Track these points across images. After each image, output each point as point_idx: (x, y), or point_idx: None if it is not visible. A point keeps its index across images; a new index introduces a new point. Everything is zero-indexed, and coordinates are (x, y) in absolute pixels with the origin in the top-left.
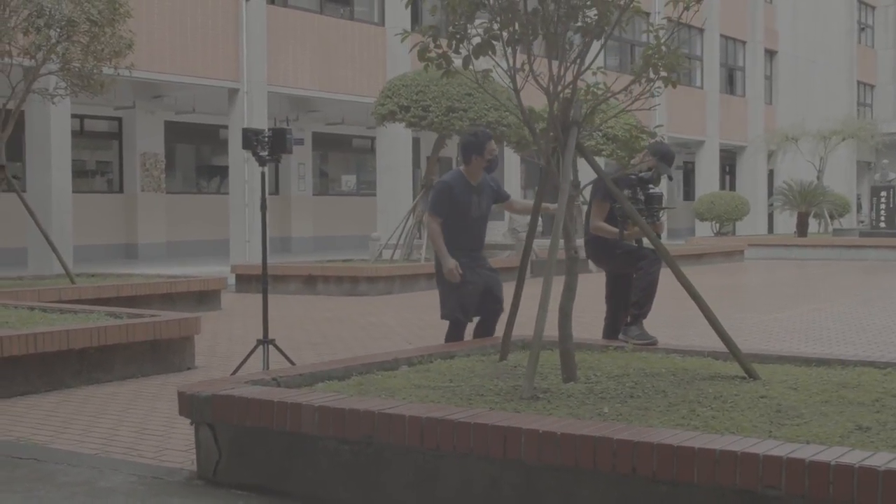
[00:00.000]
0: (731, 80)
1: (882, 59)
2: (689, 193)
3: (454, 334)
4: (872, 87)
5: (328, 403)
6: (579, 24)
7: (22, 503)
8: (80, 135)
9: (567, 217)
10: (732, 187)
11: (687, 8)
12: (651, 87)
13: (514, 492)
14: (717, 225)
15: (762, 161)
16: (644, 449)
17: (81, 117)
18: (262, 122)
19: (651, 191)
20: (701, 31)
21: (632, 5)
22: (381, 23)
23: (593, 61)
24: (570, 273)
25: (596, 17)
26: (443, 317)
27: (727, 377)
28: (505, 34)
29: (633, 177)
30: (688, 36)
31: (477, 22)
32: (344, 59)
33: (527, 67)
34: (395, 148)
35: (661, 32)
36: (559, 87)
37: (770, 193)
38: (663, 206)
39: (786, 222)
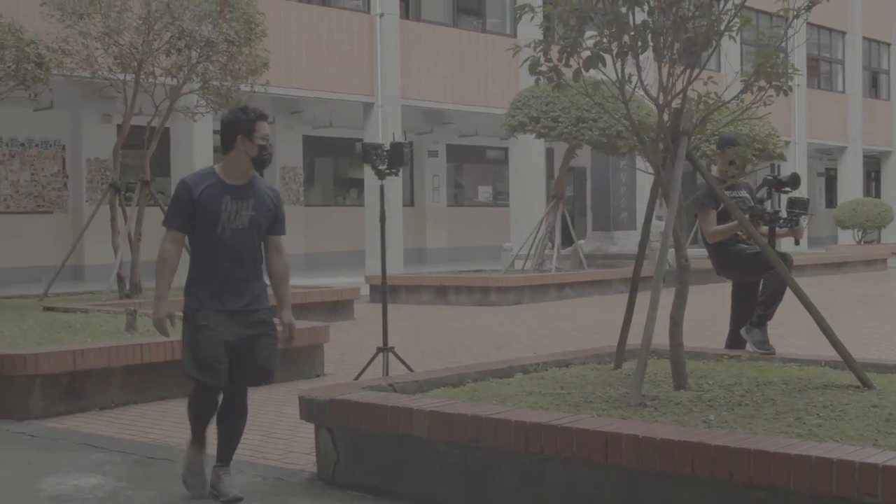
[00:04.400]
0: (874, 84)
1: None
2: (830, 200)
3: (197, 401)
4: None
5: (438, 408)
6: (689, 34)
7: (154, 499)
8: (222, 150)
9: (677, 226)
10: (877, 194)
11: (797, 16)
12: (763, 95)
13: (616, 495)
14: (860, 233)
15: None
16: (740, 455)
17: None
18: (396, 136)
19: (792, 194)
20: (842, 34)
21: (739, 14)
22: (514, 34)
23: (702, 70)
24: (681, 281)
25: (704, 27)
26: (184, 373)
27: (841, 386)
28: (614, 47)
29: (768, 178)
30: (828, 40)
31: (587, 35)
32: (476, 71)
33: (635, 78)
34: (528, 158)
35: (772, 40)
36: (668, 97)
37: None
38: (806, 210)
39: None
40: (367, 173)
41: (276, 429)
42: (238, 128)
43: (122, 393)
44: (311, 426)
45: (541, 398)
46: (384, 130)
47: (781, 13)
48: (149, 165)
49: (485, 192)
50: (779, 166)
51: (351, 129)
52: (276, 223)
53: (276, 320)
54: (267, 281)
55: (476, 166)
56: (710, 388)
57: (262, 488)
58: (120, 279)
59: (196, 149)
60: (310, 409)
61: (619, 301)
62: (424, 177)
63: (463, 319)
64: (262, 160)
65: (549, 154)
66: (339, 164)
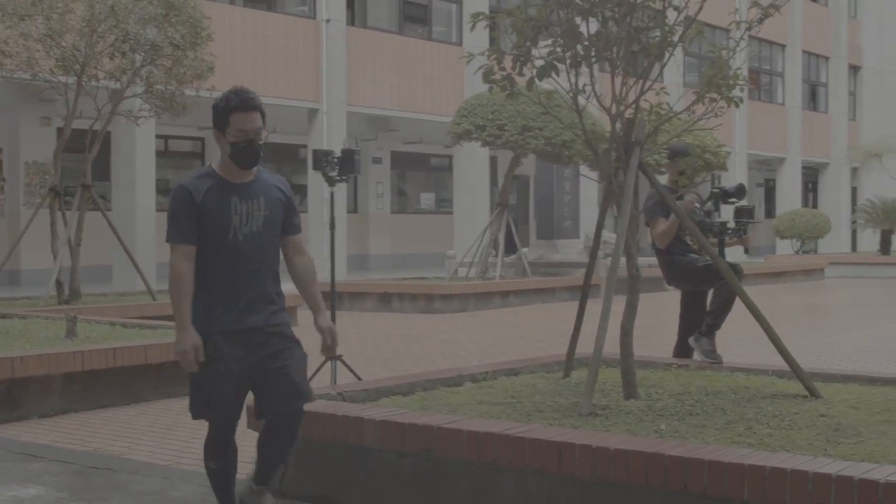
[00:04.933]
0: (813, 97)
1: None
2: (770, 211)
3: (213, 448)
4: None
5: (389, 418)
6: (642, 44)
7: None
8: (164, 155)
9: (629, 236)
10: (815, 204)
11: (749, 28)
12: (714, 106)
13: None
14: (799, 243)
15: (845, 178)
16: (695, 465)
17: (165, 138)
18: (341, 142)
19: (738, 204)
20: (782, 47)
21: (692, 26)
22: (459, 42)
23: (654, 81)
24: (632, 291)
25: (657, 38)
26: (192, 415)
27: (788, 396)
28: (568, 56)
29: (715, 190)
30: (769, 53)
31: (541, 44)
32: (422, 79)
33: (588, 88)
34: (472, 166)
35: (723, 52)
36: (621, 108)
37: (853, 210)
38: (753, 219)
39: (869, 240)
40: (312, 179)
41: None
42: (214, 120)
43: (62, 401)
44: (257, 434)
45: (491, 407)
46: (329, 137)
47: (732, 25)
48: (90, 169)
49: (428, 199)
50: (719, 177)
51: (295, 135)
52: (291, 220)
53: (317, 327)
54: (283, 289)
55: (420, 173)
56: (660, 397)
57: (209, 499)
58: (59, 284)
59: (138, 153)
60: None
61: (562, 309)
62: (368, 184)
63: (408, 327)
64: (240, 160)
65: (493, 162)
66: (283, 171)
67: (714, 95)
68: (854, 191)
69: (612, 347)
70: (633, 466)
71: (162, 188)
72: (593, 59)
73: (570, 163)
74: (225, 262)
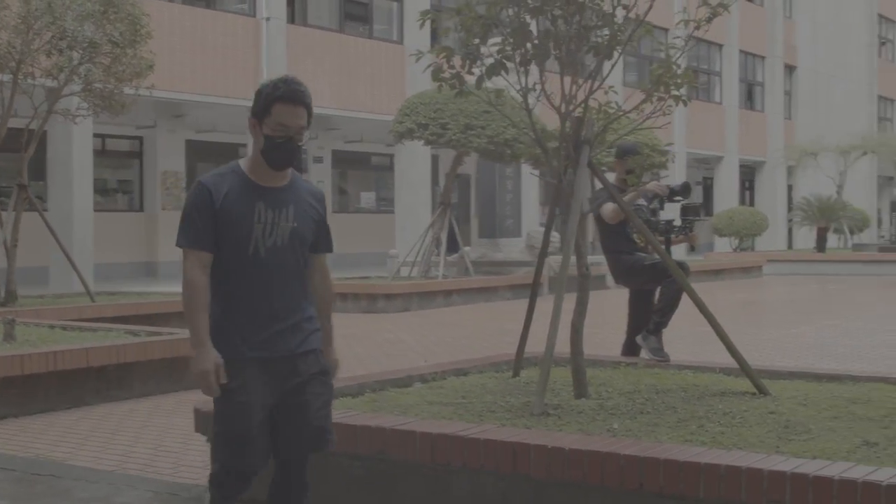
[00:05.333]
0: (750, 96)
1: None
2: (707, 209)
3: (223, 482)
4: (893, 101)
5: (341, 420)
6: (591, 43)
7: None
8: (101, 154)
9: (579, 234)
10: (752, 203)
11: (698, 27)
12: (663, 105)
13: None
14: (737, 240)
15: (782, 176)
16: (651, 464)
17: (103, 137)
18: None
19: (684, 202)
20: (720, 46)
21: (642, 25)
22: (401, 41)
23: (604, 80)
24: (582, 290)
25: (607, 37)
26: (217, 466)
27: (737, 393)
28: (517, 55)
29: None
30: (707, 53)
31: (490, 42)
32: (363, 78)
33: (539, 87)
34: (414, 165)
35: (671, 51)
36: (571, 106)
37: (790, 209)
38: (699, 216)
39: (805, 237)
40: None
41: (166, 441)
42: (254, 107)
43: (0, 406)
44: (204, 438)
45: (443, 408)
46: None
47: (681, 24)
48: (26, 169)
49: (368, 198)
50: (658, 175)
51: (235, 133)
52: (322, 237)
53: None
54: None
55: (361, 172)
56: (611, 395)
57: None
58: None
59: (75, 152)
60: (206, 421)
61: (505, 308)
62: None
63: (351, 327)
64: (272, 157)
65: (435, 161)
66: None
67: (662, 94)
68: (790, 189)
69: (559, 346)
70: (589, 466)
71: (99, 188)
72: (543, 58)
73: (512, 161)
74: (244, 279)
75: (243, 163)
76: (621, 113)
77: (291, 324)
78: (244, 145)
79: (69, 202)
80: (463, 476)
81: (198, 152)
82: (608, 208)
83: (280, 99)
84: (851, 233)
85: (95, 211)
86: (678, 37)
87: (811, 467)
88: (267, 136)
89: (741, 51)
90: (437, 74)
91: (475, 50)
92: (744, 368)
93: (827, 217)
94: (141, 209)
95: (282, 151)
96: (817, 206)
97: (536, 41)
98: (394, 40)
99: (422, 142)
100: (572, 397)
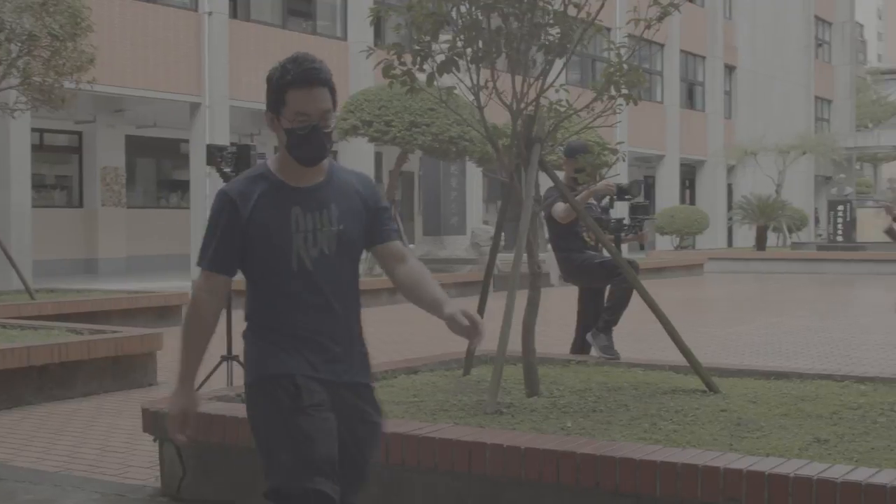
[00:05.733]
0: (690, 95)
1: (839, 74)
2: (649, 207)
3: None
4: (830, 102)
5: None
6: (542, 41)
7: None
8: (39, 149)
9: (530, 232)
10: (692, 201)
11: (649, 26)
12: (613, 104)
13: None
14: (678, 239)
15: (721, 175)
16: (607, 463)
17: (41, 131)
18: (224, 137)
19: (633, 201)
20: (661, 46)
21: (593, 24)
22: (344, 37)
23: (556, 78)
24: (534, 288)
25: (558, 36)
26: (270, 488)
27: (688, 391)
28: (469, 52)
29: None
30: (648, 52)
31: (441, 39)
32: None
33: (490, 84)
34: (358, 162)
35: (622, 50)
36: (522, 104)
37: (729, 207)
38: (648, 215)
39: (745, 236)
40: (193, 175)
41: (112, 442)
42: (267, 99)
43: None
44: (151, 438)
45: (395, 407)
46: (211, 131)
47: (631, 23)
48: None
49: None
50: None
51: (176, 129)
52: (379, 227)
53: (448, 317)
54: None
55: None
56: (562, 394)
57: None
58: None
59: (13, 147)
60: (154, 421)
61: None
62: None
63: None
64: (299, 153)
65: (378, 158)
66: (163, 165)
67: (612, 93)
68: (730, 188)
69: (510, 345)
70: (545, 465)
71: (37, 183)
72: (494, 56)
73: (457, 159)
74: (289, 298)
75: (271, 163)
76: (572, 111)
77: (341, 347)
78: (185, 141)
79: (6, 198)
80: (417, 476)
81: (138, 148)
82: (560, 207)
83: (292, 84)
84: (790, 231)
85: (34, 207)
86: (628, 35)
87: (766, 465)
88: (288, 129)
89: (682, 51)
90: (388, 71)
91: (426, 47)
92: (694, 366)
93: (766, 216)
94: (80, 205)
95: (309, 144)
96: (757, 205)
97: (488, 38)
98: (337, 36)
99: (366, 139)
100: (524, 396)
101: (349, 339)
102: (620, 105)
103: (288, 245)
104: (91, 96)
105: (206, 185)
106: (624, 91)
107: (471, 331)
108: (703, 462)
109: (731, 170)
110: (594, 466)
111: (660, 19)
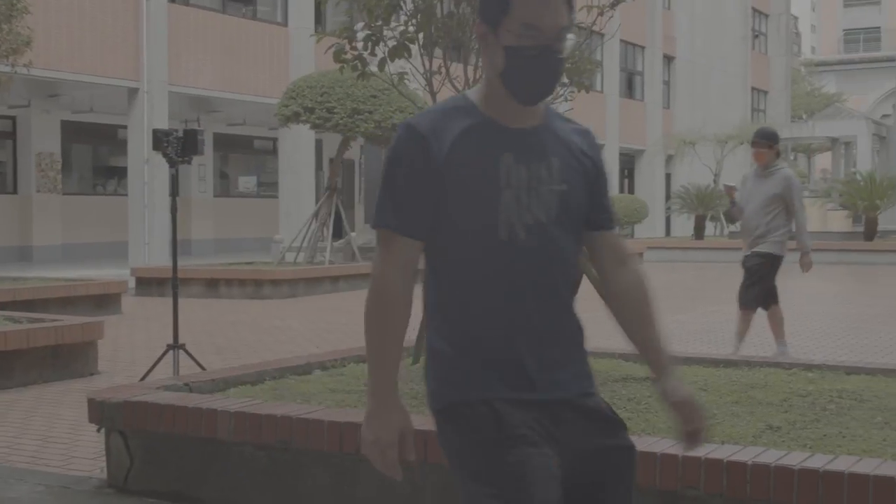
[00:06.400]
0: (630, 85)
1: (775, 65)
2: None
3: None
4: (766, 93)
5: (244, 409)
6: None
7: None
8: None
9: None
10: (631, 190)
11: (601, 13)
12: (565, 92)
13: (434, 494)
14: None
15: (660, 165)
16: None
17: None
18: (162, 123)
19: None
20: (602, 36)
21: None
22: (285, 23)
23: None
24: None
25: None
26: None
27: (638, 379)
28: (421, 37)
29: None
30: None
31: (393, 24)
32: (246, 60)
33: (443, 70)
34: (298, 149)
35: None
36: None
37: (668, 197)
38: None
39: (683, 225)
40: (131, 161)
41: (54, 433)
42: (481, 8)
43: None
44: (95, 429)
45: (346, 395)
46: (150, 117)
47: (587, 7)
48: None
49: (247, 182)
50: None
51: (113, 114)
52: (601, 201)
53: (665, 395)
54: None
55: (243, 156)
56: None
57: (47, 498)
58: None
59: None
60: (100, 411)
61: None
62: (190, 166)
63: (237, 313)
64: (521, 81)
65: (319, 145)
66: (100, 152)
67: (565, 81)
68: (668, 177)
69: None
70: None
71: None
72: (446, 41)
73: None
74: (494, 278)
75: (473, 94)
76: None
77: (561, 349)
78: (123, 127)
79: None
80: (371, 465)
81: (74, 133)
82: None
83: None
84: (728, 221)
85: None
86: (578, 25)
87: (723, 452)
88: (509, 47)
89: (622, 40)
90: (339, 55)
91: (378, 31)
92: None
93: (704, 205)
94: (15, 191)
95: (536, 70)
96: (695, 195)
97: (440, 23)
98: (278, 22)
99: (307, 126)
100: None
101: (565, 338)
102: (573, 92)
103: (495, 204)
104: (25, 80)
105: (144, 171)
106: (576, 79)
107: (688, 433)
108: (660, 450)
109: (669, 159)
110: None
111: (613, 6)
